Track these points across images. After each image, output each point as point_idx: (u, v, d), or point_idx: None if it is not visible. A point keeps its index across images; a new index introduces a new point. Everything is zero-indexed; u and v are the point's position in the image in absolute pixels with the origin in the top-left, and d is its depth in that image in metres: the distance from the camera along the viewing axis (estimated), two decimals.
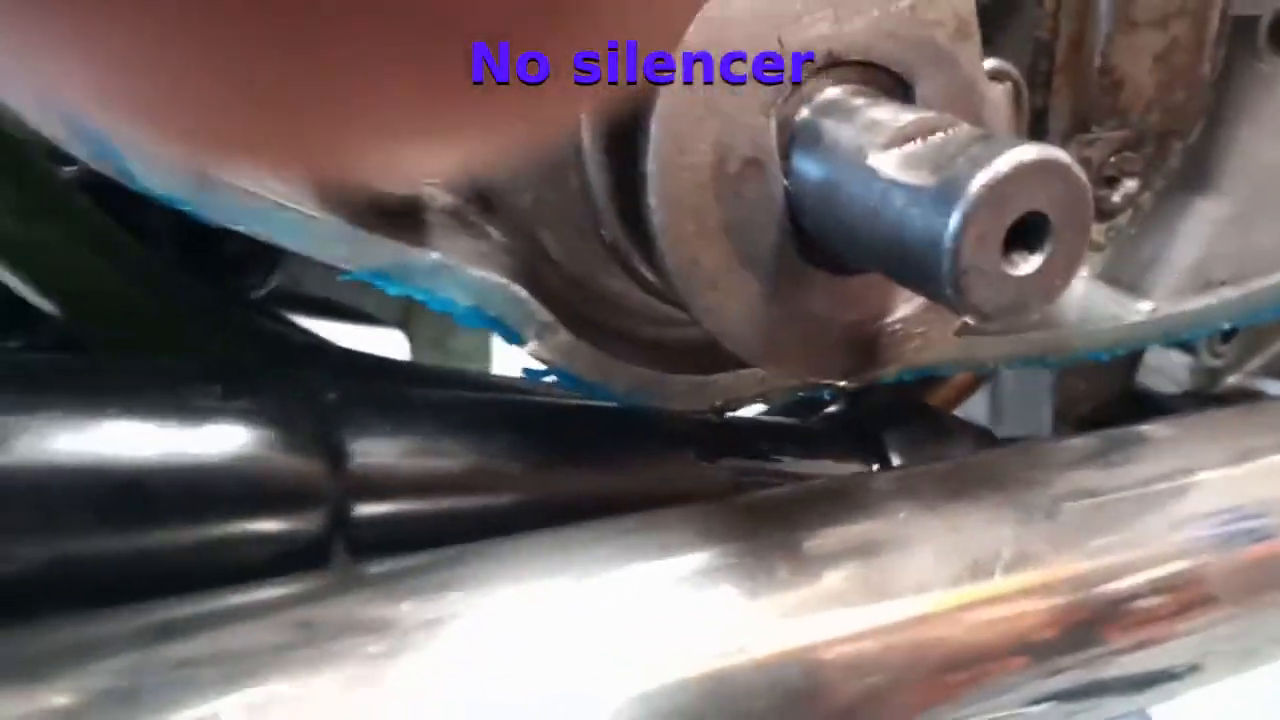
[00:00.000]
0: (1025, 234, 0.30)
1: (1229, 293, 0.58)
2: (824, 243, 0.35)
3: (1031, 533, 0.41)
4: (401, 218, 0.38)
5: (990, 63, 0.38)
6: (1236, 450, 0.48)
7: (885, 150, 0.31)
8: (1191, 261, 0.57)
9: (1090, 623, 0.41)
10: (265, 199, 0.35)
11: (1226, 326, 0.59)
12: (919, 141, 0.32)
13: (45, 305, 0.41)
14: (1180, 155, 0.46)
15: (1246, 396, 0.66)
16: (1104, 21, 0.40)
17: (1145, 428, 0.50)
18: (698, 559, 0.36)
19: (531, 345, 0.40)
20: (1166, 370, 0.68)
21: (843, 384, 0.38)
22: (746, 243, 0.35)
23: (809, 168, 0.34)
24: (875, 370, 0.38)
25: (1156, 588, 0.43)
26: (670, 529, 0.37)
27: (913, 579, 0.38)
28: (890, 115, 0.33)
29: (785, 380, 0.43)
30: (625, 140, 0.36)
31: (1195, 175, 0.55)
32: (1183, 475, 0.46)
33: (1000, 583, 0.40)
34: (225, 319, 0.42)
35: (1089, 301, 0.55)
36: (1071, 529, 0.42)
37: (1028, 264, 0.30)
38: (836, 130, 0.34)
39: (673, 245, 0.34)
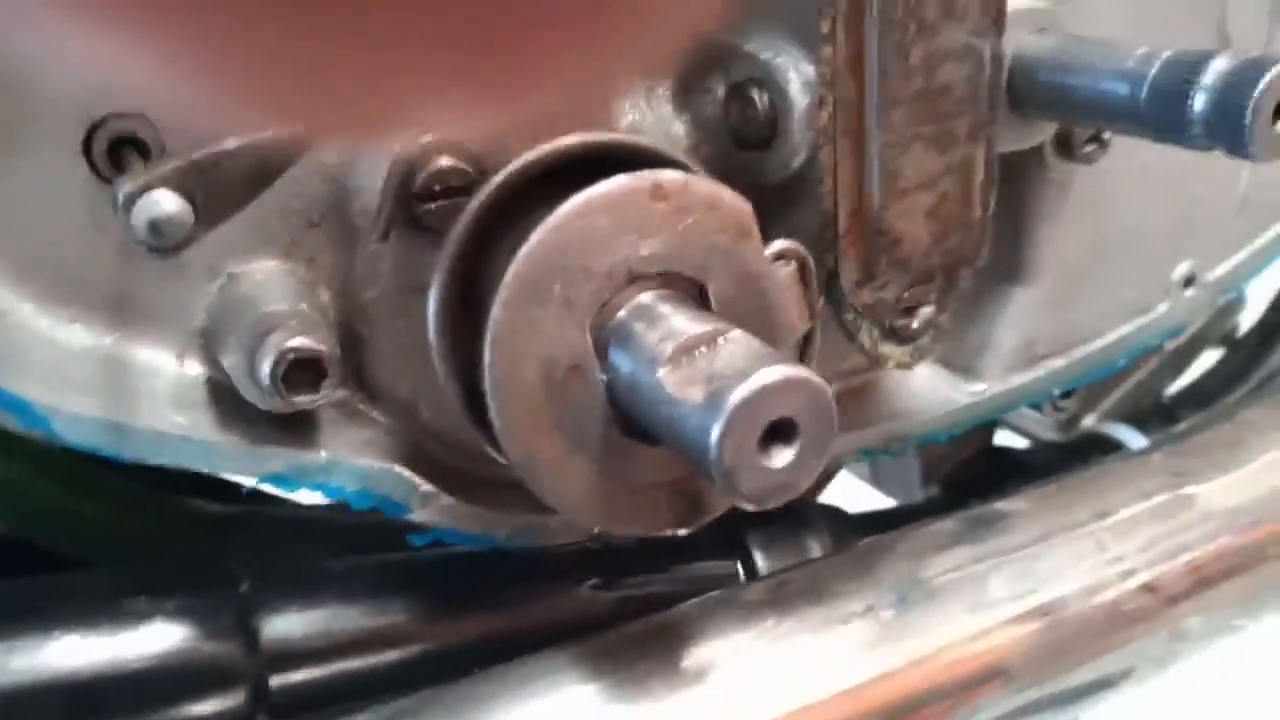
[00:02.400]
0: (779, 431, 0.37)
1: (1055, 363, 0.66)
2: (635, 424, 0.42)
3: (881, 632, 0.49)
4: (293, 423, 0.45)
5: (776, 245, 0.45)
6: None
7: (670, 363, 0.39)
8: (1016, 342, 0.65)
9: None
10: (172, 436, 0.42)
11: (1057, 394, 0.67)
12: (701, 350, 0.39)
13: None
14: (970, 277, 0.53)
15: (1098, 443, 0.74)
16: (876, 194, 0.48)
17: (1000, 505, 0.57)
18: (583, 695, 0.44)
19: (417, 514, 0.47)
20: (1022, 424, 0.76)
21: (682, 531, 0.45)
22: (575, 432, 0.42)
23: (621, 365, 0.41)
24: (708, 514, 0.45)
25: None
26: (553, 671, 0.44)
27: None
28: (681, 323, 0.40)
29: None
30: (467, 359, 0.43)
31: (1008, 267, 0.63)
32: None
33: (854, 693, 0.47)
34: (151, 509, 0.49)
35: (925, 388, 0.62)
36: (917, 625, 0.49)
37: (783, 457, 0.37)
38: (640, 337, 0.41)
39: (512, 443, 0.41)
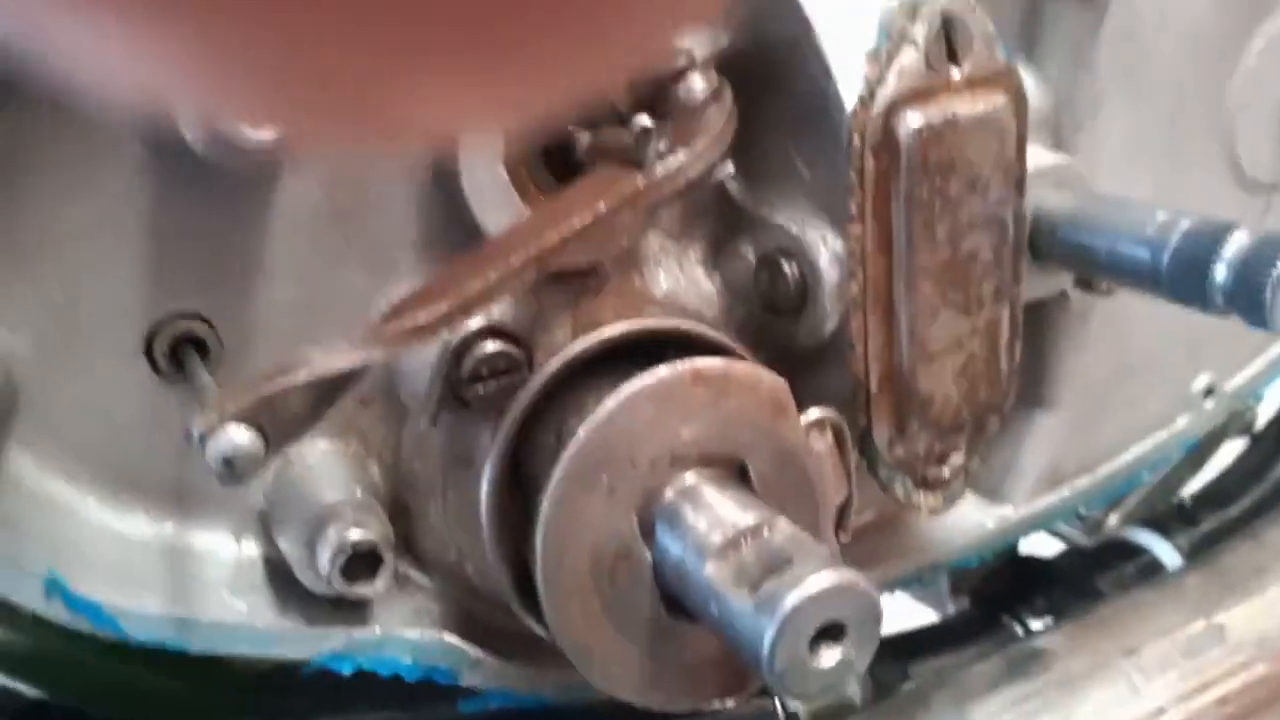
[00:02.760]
0: (828, 631, 0.38)
1: (1080, 482, 0.67)
2: (681, 605, 0.43)
3: None
4: (347, 601, 0.46)
5: (812, 414, 0.47)
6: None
7: (718, 557, 0.40)
8: (1042, 465, 0.66)
9: None
10: (234, 624, 0.43)
11: (1083, 512, 0.68)
12: (747, 541, 0.40)
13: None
14: (999, 423, 0.54)
15: (1121, 549, 0.75)
16: (905, 358, 0.49)
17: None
18: None
19: (467, 680, 0.49)
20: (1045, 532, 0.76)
21: (730, 702, 0.46)
22: (623, 617, 0.43)
23: (668, 548, 0.43)
24: (753, 685, 0.46)
25: None
26: None
27: None
28: (728, 511, 0.42)
29: None
30: (515, 540, 0.44)
31: (1033, 394, 0.64)
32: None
33: None
34: (199, 672, 0.50)
35: (954, 515, 0.64)
36: None
37: (831, 657, 0.38)
38: (687, 523, 0.42)
39: (562, 631, 0.42)
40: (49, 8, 0.12)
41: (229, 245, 0.43)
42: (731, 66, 0.48)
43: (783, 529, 0.41)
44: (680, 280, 0.52)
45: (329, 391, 0.37)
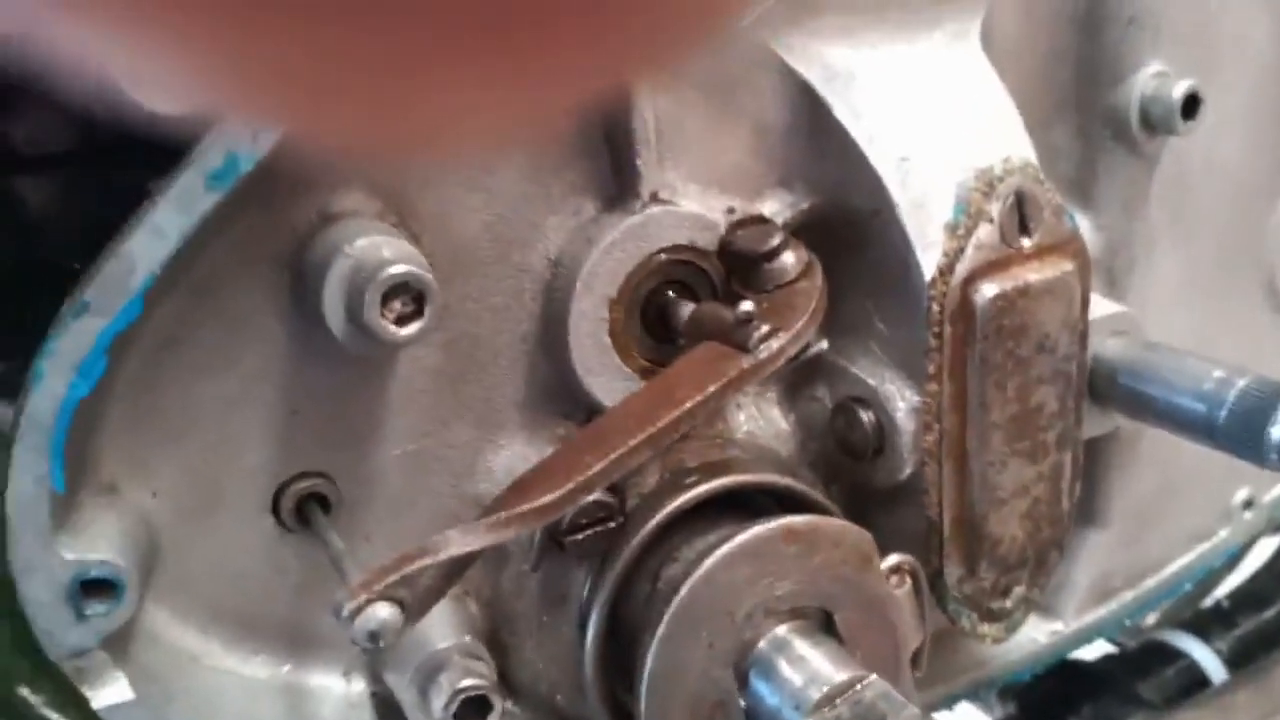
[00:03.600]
0: None
1: (1127, 595, 0.70)
2: None
3: None
4: None
5: (891, 560, 0.49)
6: None
7: (815, 714, 0.42)
8: (1092, 580, 0.68)
9: None
10: None
11: (1129, 624, 0.71)
12: (842, 698, 0.43)
13: None
14: (1060, 557, 0.57)
15: (1160, 652, 0.77)
16: (977, 504, 0.52)
17: None
18: None
19: None
20: None
21: None
22: None
23: (763, 696, 0.45)
24: None
25: None
26: None
27: None
28: (821, 666, 0.44)
29: None
30: (613, 682, 0.47)
31: (1086, 515, 0.66)
32: None
33: None
34: None
35: None
36: None
37: None
38: (781, 675, 0.45)
39: None
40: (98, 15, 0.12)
41: (353, 409, 0.45)
42: (813, 225, 0.51)
43: (875, 686, 0.43)
44: (758, 420, 0.55)
45: (460, 567, 0.40)
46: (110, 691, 0.39)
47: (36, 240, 0.52)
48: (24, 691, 0.46)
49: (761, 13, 0.49)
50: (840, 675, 0.43)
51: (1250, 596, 0.82)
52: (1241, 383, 0.50)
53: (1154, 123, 0.57)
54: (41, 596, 0.38)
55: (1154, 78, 0.57)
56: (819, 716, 0.42)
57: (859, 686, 0.43)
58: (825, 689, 0.43)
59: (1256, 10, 0.61)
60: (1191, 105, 0.57)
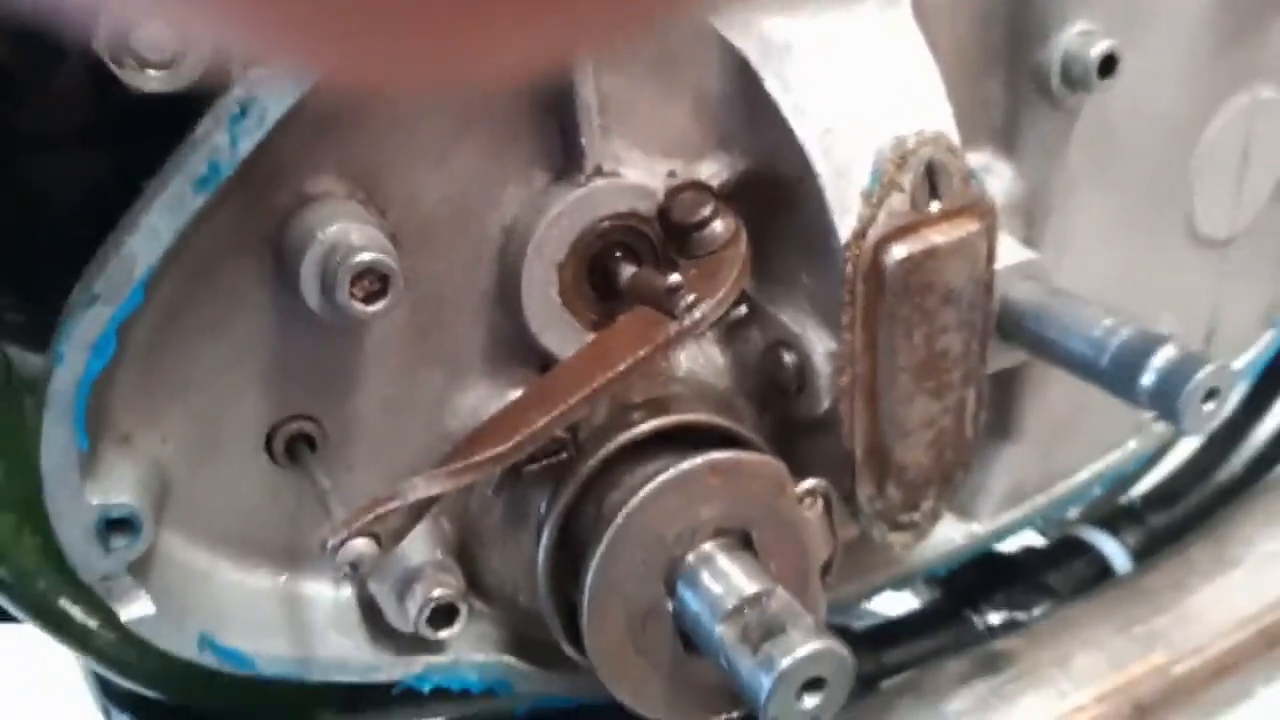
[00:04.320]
0: (811, 684, 0.49)
1: (1039, 499, 0.78)
2: (695, 647, 0.54)
3: None
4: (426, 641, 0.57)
5: (805, 485, 0.57)
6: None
7: (728, 621, 0.51)
8: (1007, 487, 0.76)
9: None
10: (341, 658, 0.54)
11: (1040, 524, 0.79)
12: (750, 607, 0.51)
13: None
14: (964, 477, 0.64)
15: (1075, 546, 0.86)
16: (886, 435, 0.59)
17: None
18: None
19: (520, 690, 0.60)
20: None
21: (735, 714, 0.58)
22: (650, 656, 0.54)
23: (688, 603, 0.53)
24: (746, 707, 0.57)
25: None
26: None
27: None
28: (737, 580, 0.52)
29: None
30: (564, 590, 0.55)
31: (1001, 428, 0.74)
32: None
33: None
34: None
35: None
36: None
37: (813, 701, 0.49)
38: (703, 586, 0.52)
39: (602, 669, 0.54)
40: None
41: (333, 360, 0.52)
42: (747, 186, 0.57)
43: (779, 598, 0.51)
44: (698, 358, 0.61)
45: (425, 507, 0.47)
46: (136, 607, 0.47)
47: (44, 208, 0.57)
48: (64, 603, 0.54)
49: None
50: (752, 588, 0.51)
51: (1162, 495, 0.90)
52: (1125, 332, 0.56)
53: (1074, 80, 0.61)
54: (74, 535, 0.45)
55: (1078, 36, 0.61)
56: (731, 622, 0.51)
57: (765, 599, 0.51)
58: (738, 598, 0.51)
59: None
60: (1109, 65, 0.61)
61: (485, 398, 0.56)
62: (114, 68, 0.51)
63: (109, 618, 0.49)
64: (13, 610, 0.55)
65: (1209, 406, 0.54)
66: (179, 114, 0.54)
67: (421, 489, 0.46)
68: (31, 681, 0.94)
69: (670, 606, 0.54)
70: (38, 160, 0.57)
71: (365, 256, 0.44)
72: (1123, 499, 0.91)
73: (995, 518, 0.76)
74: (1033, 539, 0.89)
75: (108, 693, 0.62)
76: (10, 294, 0.57)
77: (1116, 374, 0.56)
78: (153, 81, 0.51)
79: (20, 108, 0.56)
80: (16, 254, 0.57)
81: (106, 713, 0.64)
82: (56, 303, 0.54)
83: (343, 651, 0.55)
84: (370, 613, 0.57)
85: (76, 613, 0.51)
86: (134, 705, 0.62)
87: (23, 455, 0.49)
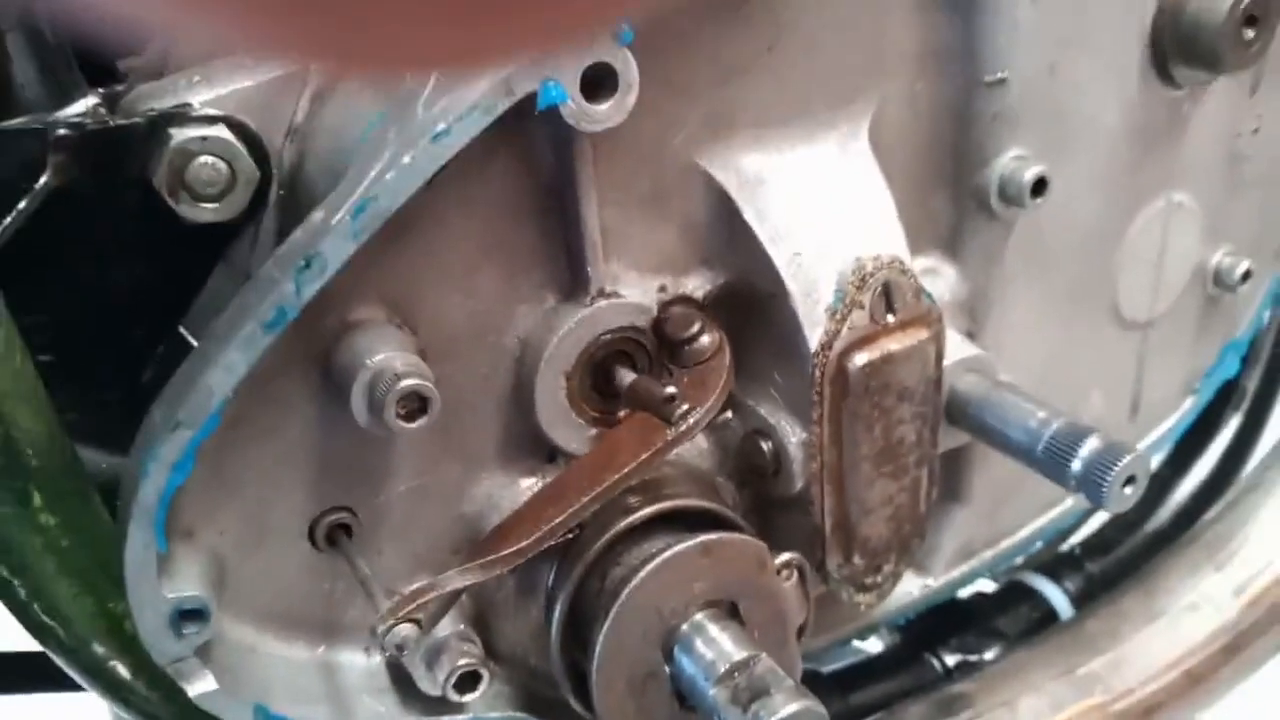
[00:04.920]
0: None
1: (986, 555, 0.86)
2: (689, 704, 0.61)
3: None
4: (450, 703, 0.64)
5: (783, 558, 0.65)
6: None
7: (720, 684, 0.58)
8: (957, 545, 0.85)
9: None
10: None
11: (988, 577, 0.88)
12: (740, 671, 0.58)
13: None
14: (921, 545, 0.73)
15: (1020, 591, 0.95)
16: (851, 513, 0.67)
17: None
18: None
19: None
20: None
21: None
22: (653, 715, 0.61)
23: (684, 667, 0.61)
24: None
25: None
26: None
27: None
28: (726, 646, 0.60)
29: None
30: (574, 655, 0.62)
31: (952, 492, 0.82)
32: None
33: None
34: None
35: None
36: None
37: None
38: (697, 652, 0.60)
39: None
40: None
41: (368, 460, 0.59)
42: (727, 297, 0.65)
43: (764, 663, 0.59)
44: (689, 448, 0.69)
45: (458, 594, 0.54)
46: (201, 684, 0.54)
47: (100, 316, 0.63)
48: (114, 665, 0.60)
49: (690, 130, 0.61)
50: (740, 654, 0.59)
51: (1098, 543, 1.00)
52: (1056, 424, 0.65)
53: (1010, 198, 0.70)
54: (151, 625, 0.52)
55: (1013, 160, 0.70)
56: (724, 685, 0.58)
57: (753, 664, 0.59)
58: (729, 664, 0.59)
59: (1106, 96, 0.73)
60: (1040, 186, 0.70)
61: (498, 485, 0.63)
62: (170, 202, 0.59)
63: (155, 680, 0.55)
64: (70, 671, 0.61)
65: (1129, 490, 0.63)
66: (219, 233, 0.61)
67: (457, 580, 0.53)
68: None
69: (668, 670, 0.61)
70: (95, 272, 0.64)
71: (409, 383, 0.51)
72: (1063, 546, 1.00)
73: (947, 572, 0.85)
74: (983, 584, 0.98)
75: None
76: (72, 394, 0.63)
77: (1049, 461, 0.65)
78: (206, 213, 0.59)
79: (84, 225, 0.63)
80: (76, 358, 0.63)
81: None
82: (106, 398, 0.61)
83: (375, 715, 0.62)
84: (399, 677, 0.64)
85: (124, 674, 0.58)
86: None
87: (86, 530, 0.56)
